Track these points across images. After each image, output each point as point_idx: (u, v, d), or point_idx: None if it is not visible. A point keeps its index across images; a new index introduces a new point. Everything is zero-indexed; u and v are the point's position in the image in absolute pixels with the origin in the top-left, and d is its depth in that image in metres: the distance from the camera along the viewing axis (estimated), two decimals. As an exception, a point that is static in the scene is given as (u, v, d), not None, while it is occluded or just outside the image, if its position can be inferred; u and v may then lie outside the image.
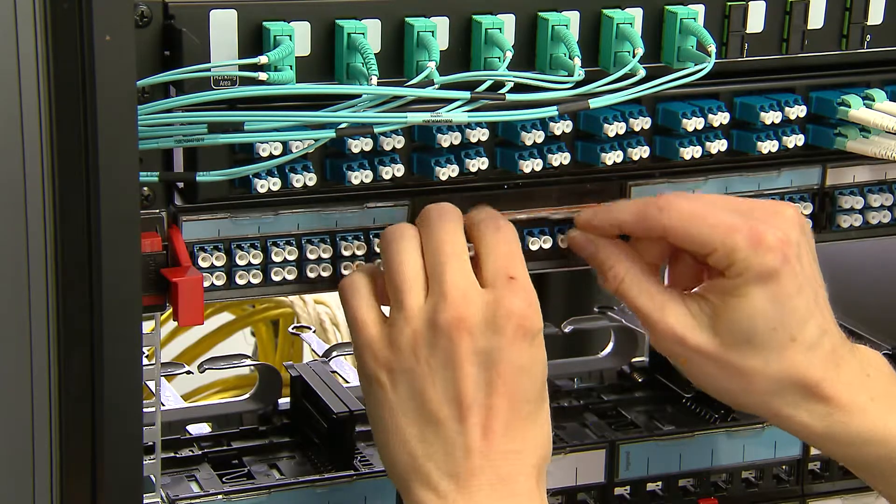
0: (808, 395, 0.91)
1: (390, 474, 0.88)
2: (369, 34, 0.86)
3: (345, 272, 0.91)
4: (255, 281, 0.89)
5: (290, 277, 0.90)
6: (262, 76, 0.82)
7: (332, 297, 1.80)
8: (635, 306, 0.93)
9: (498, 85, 0.87)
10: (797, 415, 0.92)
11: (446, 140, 0.89)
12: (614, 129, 0.92)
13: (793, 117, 0.96)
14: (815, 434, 0.93)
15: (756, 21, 0.95)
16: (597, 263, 0.94)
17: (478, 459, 0.85)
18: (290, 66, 0.83)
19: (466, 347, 0.86)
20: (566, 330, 1.17)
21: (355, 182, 0.88)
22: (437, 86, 0.85)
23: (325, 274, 0.91)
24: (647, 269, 0.93)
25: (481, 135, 0.90)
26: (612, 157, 0.93)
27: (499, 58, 0.88)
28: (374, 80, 0.84)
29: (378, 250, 0.91)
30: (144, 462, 0.84)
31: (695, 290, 0.93)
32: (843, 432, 0.92)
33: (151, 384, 0.91)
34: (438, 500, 0.85)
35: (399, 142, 0.89)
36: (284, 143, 0.85)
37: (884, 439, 0.92)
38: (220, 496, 0.97)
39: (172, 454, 1.03)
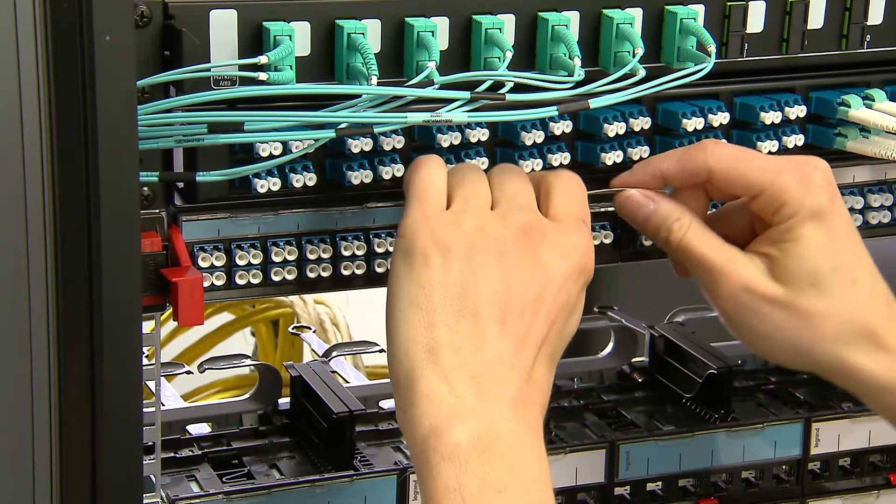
0: (873, 342, 0.91)
1: (396, 356, 0.83)
2: (369, 34, 0.86)
3: (345, 272, 0.91)
4: (255, 281, 0.89)
5: (290, 277, 0.90)
6: (262, 76, 0.82)
7: (332, 297, 1.80)
8: (700, 256, 0.91)
9: (498, 85, 0.87)
10: (865, 364, 0.91)
11: (446, 140, 0.89)
12: (614, 129, 0.92)
13: (793, 117, 0.96)
14: (881, 385, 0.91)
15: (756, 21, 0.95)
16: (659, 219, 0.92)
17: (504, 370, 0.81)
18: (290, 66, 0.83)
19: (530, 254, 0.84)
20: (566, 330, 1.17)
21: (355, 182, 0.88)
22: (437, 86, 0.85)
23: (325, 274, 0.91)
24: (704, 221, 0.92)
25: (481, 135, 0.90)
26: (612, 157, 0.93)
27: (499, 58, 0.88)
28: (374, 80, 0.84)
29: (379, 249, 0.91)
30: (144, 462, 0.84)
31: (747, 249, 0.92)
32: None
33: (151, 384, 0.91)
34: (452, 398, 0.80)
35: (399, 142, 0.89)
36: (284, 143, 0.85)
37: None
38: (220, 496, 0.97)
39: (172, 454, 1.03)
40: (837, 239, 0.90)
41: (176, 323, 0.85)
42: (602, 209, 0.96)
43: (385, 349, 1.14)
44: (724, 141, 0.95)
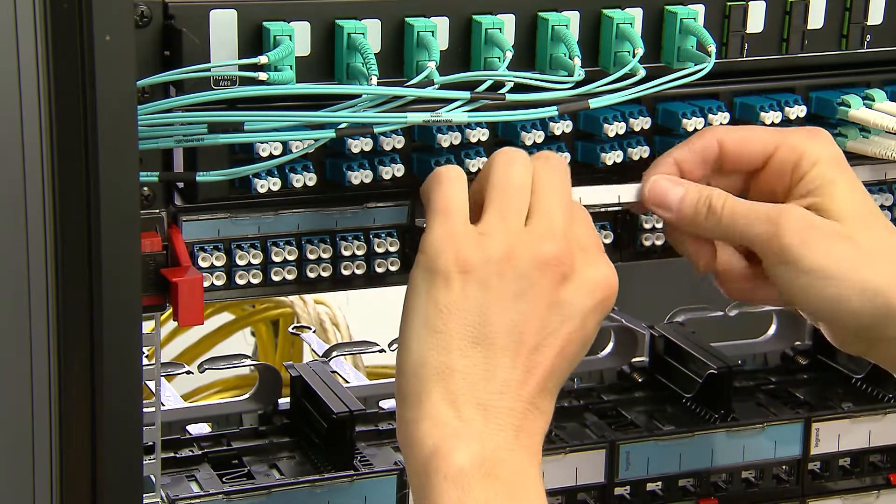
0: None
1: (405, 374, 0.83)
2: (369, 34, 0.86)
3: (345, 272, 0.91)
4: (255, 281, 0.89)
5: (290, 277, 0.90)
6: (262, 76, 0.82)
7: (332, 297, 1.80)
8: (754, 212, 0.89)
9: (498, 85, 0.87)
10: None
11: (446, 140, 0.89)
12: (614, 129, 0.92)
13: (793, 117, 0.96)
14: None
15: (756, 21, 0.95)
16: (694, 195, 0.91)
17: (510, 401, 0.82)
18: (290, 66, 0.83)
19: (554, 290, 0.83)
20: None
21: (355, 182, 0.88)
22: (437, 86, 0.85)
23: (325, 274, 0.91)
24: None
25: (481, 135, 0.90)
26: (612, 157, 0.93)
27: (499, 58, 0.88)
28: (374, 80, 0.84)
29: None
30: (144, 462, 0.84)
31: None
32: None
33: (151, 384, 0.91)
34: (457, 421, 0.81)
35: (399, 142, 0.89)
36: (284, 143, 0.85)
37: None
38: (220, 496, 0.97)
39: (172, 454, 1.03)
40: (859, 186, 0.91)
41: (176, 323, 0.85)
42: (602, 209, 0.96)
43: (385, 349, 1.15)
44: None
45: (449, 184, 0.85)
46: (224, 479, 1.00)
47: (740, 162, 0.92)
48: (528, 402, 0.83)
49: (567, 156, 0.93)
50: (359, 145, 0.87)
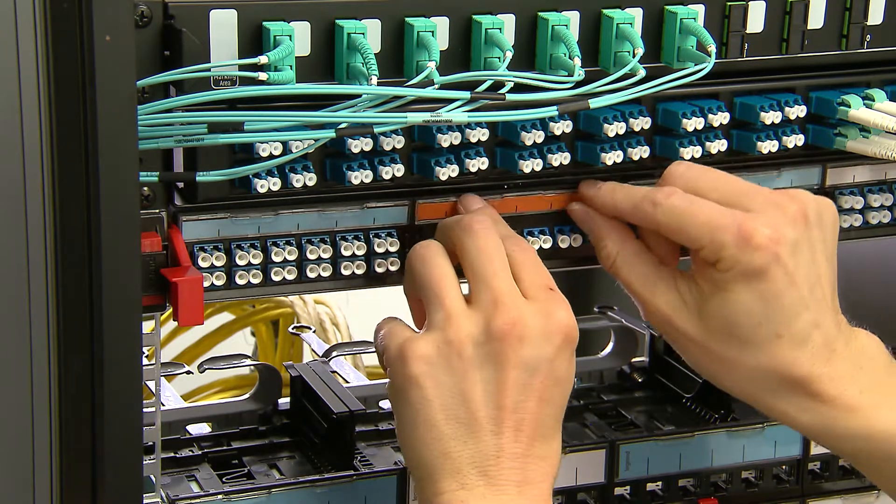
0: (795, 389, 0.92)
1: (412, 466, 0.89)
2: (369, 34, 0.86)
3: (345, 272, 0.91)
4: (255, 281, 0.89)
5: (290, 277, 0.90)
6: (262, 76, 0.82)
7: (332, 297, 1.80)
8: (628, 284, 0.94)
9: (498, 85, 0.87)
10: (784, 407, 0.92)
11: (446, 140, 0.89)
12: (614, 129, 0.92)
13: (793, 117, 0.96)
14: (803, 427, 0.93)
15: (756, 21, 0.95)
16: (593, 238, 0.95)
17: (508, 461, 0.87)
18: (290, 66, 0.83)
19: (515, 353, 0.87)
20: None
21: (355, 182, 0.88)
22: (437, 86, 0.85)
23: (324, 274, 0.91)
24: (641, 247, 0.94)
25: (481, 135, 0.90)
26: (612, 157, 0.93)
27: (499, 58, 0.88)
28: (374, 80, 0.84)
29: (375, 247, 0.91)
30: (144, 462, 0.84)
31: (689, 270, 0.93)
32: (831, 426, 0.92)
33: (151, 384, 0.91)
34: (464, 492, 0.86)
35: (399, 142, 0.89)
36: (284, 143, 0.85)
37: (870, 435, 0.91)
38: (220, 496, 0.97)
39: (172, 454, 1.03)
40: (769, 298, 0.90)
41: (176, 323, 0.85)
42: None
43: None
44: (678, 190, 0.92)
45: (386, 324, 0.91)
46: (224, 479, 1.00)
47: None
48: (525, 456, 0.87)
49: (567, 155, 0.93)
50: (359, 145, 0.87)
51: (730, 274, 0.90)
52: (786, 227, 0.90)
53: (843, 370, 0.92)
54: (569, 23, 0.90)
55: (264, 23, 0.84)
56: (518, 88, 0.87)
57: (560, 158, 0.92)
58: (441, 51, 0.88)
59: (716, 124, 0.95)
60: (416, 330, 0.90)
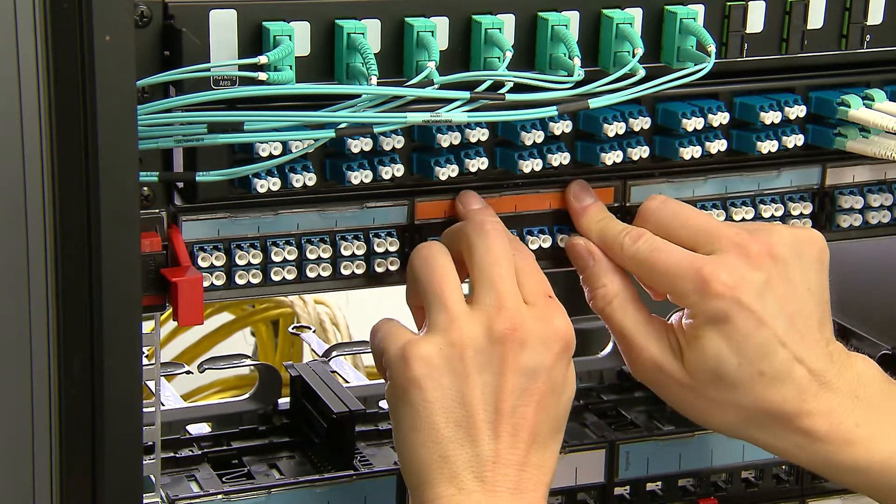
0: (786, 427, 0.91)
1: (408, 469, 0.88)
2: (369, 34, 0.86)
3: (345, 272, 0.91)
4: (255, 281, 0.89)
5: (290, 277, 0.90)
6: (262, 76, 0.82)
7: (332, 297, 1.80)
8: (621, 329, 0.94)
9: (498, 85, 0.87)
10: (781, 445, 0.92)
11: (446, 140, 0.89)
12: (614, 129, 0.92)
13: (793, 117, 0.96)
14: (804, 463, 0.93)
15: (756, 21, 0.95)
16: (589, 279, 0.94)
17: (504, 467, 0.87)
18: (290, 66, 0.83)
19: (515, 358, 0.87)
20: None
21: (355, 182, 0.88)
22: (436, 86, 0.85)
23: (324, 274, 0.91)
24: (636, 293, 0.94)
25: (481, 135, 0.90)
26: (612, 157, 0.93)
27: (499, 58, 0.88)
28: (374, 80, 0.84)
29: (382, 247, 0.91)
30: (144, 462, 0.84)
31: (670, 321, 0.94)
32: (830, 461, 0.92)
33: (151, 384, 0.91)
34: (460, 495, 0.86)
35: (399, 142, 0.89)
36: (284, 143, 0.85)
37: (869, 467, 0.91)
38: (220, 496, 0.97)
39: (172, 454, 1.03)
40: (739, 340, 0.90)
41: (176, 323, 0.85)
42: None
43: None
44: (646, 233, 0.93)
45: (385, 324, 0.90)
46: (224, 479, 1.00)
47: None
48: (520, 462, 0.87)
49: (567, 155, 0.93)
50: (359, 145, 0.87)
51: (697, 321, 0.90)
52: (747, 269, 0.90)
53: (836, 403, 0.91)
54: (569, 23, 0.90)
55: (264, 23, 0.84)
56: (518, 88, 0.87)
57: (560, 158, 0.92)
58: (441, 51, 0.88)
59: (716, 124, 0.95)
60: (415, 332, 0.90)
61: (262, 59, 0.82)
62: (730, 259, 0.90)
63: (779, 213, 1.01)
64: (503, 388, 0.87)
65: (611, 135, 0.92)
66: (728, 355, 0.90)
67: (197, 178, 0.84)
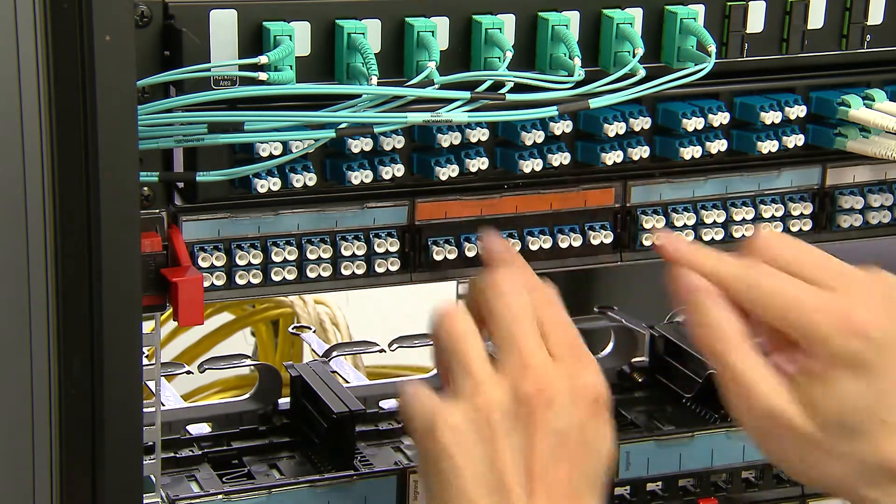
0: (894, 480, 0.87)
1: None
2: (369, 34, 0.86)
3: (345, 272, 0.91)
4: (255, 281, 0.89)
5: (290, 277, 0.90)
6: (262, 76, 0.82)
7: (332, 297, 1.80)
8: (733, 370, 0.87)
9: (498, 85, 0.87)
10: (875, 495, 0.87)
11: (446, 140, 0.89)
12: (614, 129, 0.92)
13: (793, 117, 0.96)
14: None
15: (756, 21, 0.95)
16: (699, 314, 0.88)
17: None
18: (290, 66, 0.83)
19: (544, 419, 0.84)
20: (566, 330, 1.17)
21: (355, 182, 0.88)
22: (437, 86, 0.85)
23: (324, 274, 0.91)
24: (747, 332, 0.88)
25: (481, 135, 0.90)
26: (612, 157, 0.93)
27: (499, 58, 0.88)
28: (374, 80, 0.84)
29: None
30: (144, 462, 0.84)
31: (781, 363, 0.88)
32: None
33: (151, 384, 0.91)
34: None
35: (399, 142, 0.89)
36: (284, 143, 0.85)
37: None
38: (220, 496, 0.97)
39: (172, 454, 1.03)
40: (872, 383, 0.85)
41: (176, 323, 0.85)
42: (602, 207, 0.96)
43: (385, 349, 1.15)
44: (769, 269, 0.88)
45: (410, 384, 0.87)
46: (224, 479, 1.00)
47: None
48: None
49: (567, 155, 0.93)
50: (359, 145, 0.87)
51: (828, 363, 0.85)
52: (879, 309, 0.86)
53: None
54: (569, 23, 0.90)
55: (264, 23, 0.84)
56: (518, 88, 0.87)
57: (560, 158, 0.92)
58: (441, 51, 0.88)
59: (716, 124, 0.95)
60: (441, 390, 0.87)
61: (263, 59, 0.82)
62: (861, 295, 0.87)
63: (779, 214, 1.01)
64: (533, 450, 0.84)
65: (611, 135, 0.92)
66: (859, 400, 0.85)
67: (197, 178, 0.84)
